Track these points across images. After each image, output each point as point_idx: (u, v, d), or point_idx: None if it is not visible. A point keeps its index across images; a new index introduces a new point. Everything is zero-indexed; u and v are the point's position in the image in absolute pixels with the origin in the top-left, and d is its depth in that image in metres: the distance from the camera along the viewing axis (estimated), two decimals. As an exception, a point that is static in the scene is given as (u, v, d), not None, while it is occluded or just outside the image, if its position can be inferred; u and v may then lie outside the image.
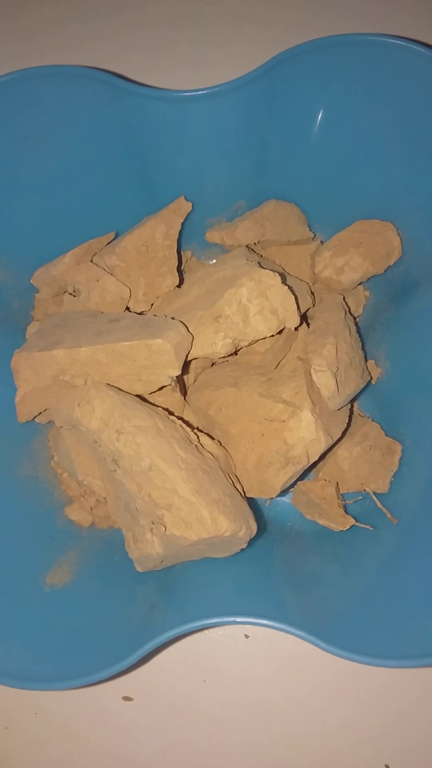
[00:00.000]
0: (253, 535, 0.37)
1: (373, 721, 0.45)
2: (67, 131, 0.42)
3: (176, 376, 0.38)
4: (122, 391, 0.37)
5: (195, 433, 0.39)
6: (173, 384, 0.38)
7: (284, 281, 0.39)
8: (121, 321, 0.39)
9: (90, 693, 0.45)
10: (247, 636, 0.46)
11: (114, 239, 0.47)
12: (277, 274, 0.39)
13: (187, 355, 0.38)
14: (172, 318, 0.39)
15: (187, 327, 0.38)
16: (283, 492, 0.44)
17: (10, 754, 0.44)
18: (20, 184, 0.43)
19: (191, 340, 0.38)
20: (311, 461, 0.39)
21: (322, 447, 0.38)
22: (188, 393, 0.44)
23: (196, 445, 0.38)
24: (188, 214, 0.46)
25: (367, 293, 0.49)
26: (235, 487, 0.38)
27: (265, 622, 0.34)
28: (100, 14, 0.59)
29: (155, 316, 0.40)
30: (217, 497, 0.35)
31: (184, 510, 0.34)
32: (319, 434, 0.38)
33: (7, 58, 0.56)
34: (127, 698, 0.45)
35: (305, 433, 0.38)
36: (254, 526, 0.37)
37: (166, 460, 0.35)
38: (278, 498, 0.48)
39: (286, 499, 0.47)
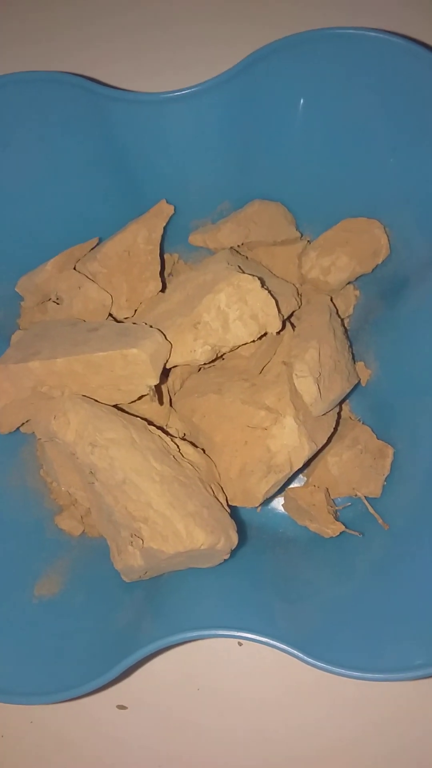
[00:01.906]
0: (233, 547, 0.36)
1: (372, 730, 0.44)
2: (47, 137, 0.42)
3: (155, 385, 0.37)
4: (97, 402, 0.37)
5: (176, 443, 0.38)
6: (152, 393, 0.38)
7: (264, 285, 0.38)
8: (99, 330, 0.38)
9: (85, 702, 0.45)
10: (240, 644, 0.46)
11: (97, 245, 0.46)
12: (257, 278, 0.38)
13: (166, 363, 0.38)
14: (150, 326, 0.38)
15: (164, 335, 0.38)
16: (271, 498, 0.43)
17: (6, 764, 0.44)
18: (0, 191, 0.43)
19: (169, 348, 0.38)
20: (294, 469, 0.38)
21: (306, 454, 0.38)
22: (174, 400, 0.43)
23: (174, 456, 0.37)
24: (173, 217, 0.46)
25: (357, 293, 0.48)
26: (216, 497, 0.37)
27: (248, 635, 0.34)
28: (86, 20, 0.58)
29: (134, 324, 0.39)
30: (194, 509, 0.35)
31: (159, 523, 0.34)
32: (303, 441, 0.38)
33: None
34: (121, 707, 0.45)
35: (288, 441, 0.37)
36: (234, 538, 0.36)
37: (140, 474, 0.34)
38: (270, 504, 0.47)
39: (277, 504, 0.47)
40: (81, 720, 0.45)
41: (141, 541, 0.34)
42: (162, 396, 0.42)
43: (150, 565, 0.36)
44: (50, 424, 0.36)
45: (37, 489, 0.45)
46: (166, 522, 0.34)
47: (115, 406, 0.39)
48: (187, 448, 0.38)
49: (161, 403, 0.41)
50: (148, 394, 0.38)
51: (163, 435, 0.38)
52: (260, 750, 0.44)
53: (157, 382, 0.37)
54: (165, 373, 0.38)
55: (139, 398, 0.38)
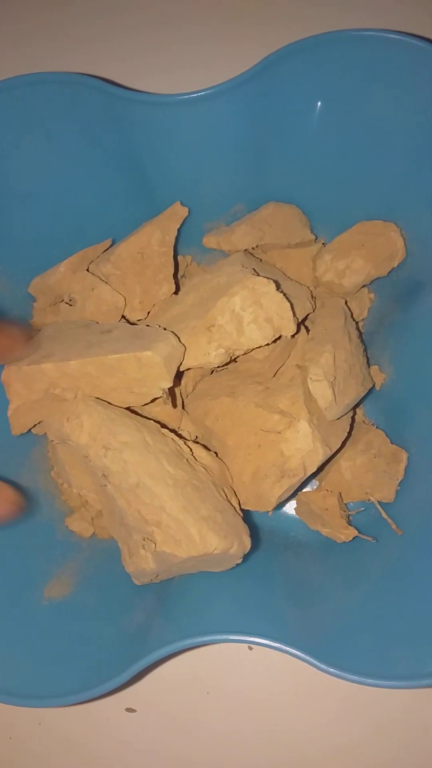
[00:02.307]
0: (246, 551, 0.36)
1: (381, 733, 0.44)
2: (61, 139, 0.42)
3: (168, 388, 0.37)
4: (111, 404, 0.37)
5: (189, 446, 0.38)
6: (165, 396, 0.37)
7: (279, 288, 0.38)
8: (113, 332, 0.38)
9: (93, 704, 0.45)
10: (251, 648, 0.46)
11: (111, 246, 0.46)
12: (272, 281, 0.38)
13: (179, 366, 0.37)
14: (164, 329, 0.38)
15: (179, 338, 0.37)
16: (283, 503, 0.43)
17: (14, 765, 0.44)
18: (14, 192, 0.43)
19: (183, 351, 0.37)
20: (308, 473, 0.38)
21: (320, 459, 0.37)
22: (187, 402, 0.43)
23: (188, 459, 0.37)
24: (186, 219, 0.45)
25: (372, 296, 0.47)
26: (229, 501, 0.37)
27: (259, 640, 0.33)
28: (95, 18, 0.58)
29: (148, 326, 0.39)
30: (207, 514, 0.34)
31: (173, 527, 0.34)
32: (317, 445, 0.37)
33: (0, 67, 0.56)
34: (130, 710, 0.45)
35: (302, 445, 0.37)
36: (248, 542, 0.36)
37: (153, 477, 0.34)
38: (282, 508, 0.47)
39: (289, 509, 0.46)
40: (90, 722, 0.45)
41: (153, 545, 0.34)
42: (175, 398, 0.42)
43: (162, 568, 0.35)
44: (63, 426, 0.35)
45: (48, 490, 0.45)
46: (180, 526, 0.34)
47: (128, 408, 0.39)
48: (199, 451, 0.38)
49: (174, 406, 0.41)
50: (161, 397, 0.37)
51: (176, 438, 0.38)
52: (269, 753, 0.44)
53: (171, 384, 0.37)
54: (178, 375, 0.38)
55: (153, 401, 0.38)
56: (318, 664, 0.33)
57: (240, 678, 0.45)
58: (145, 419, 0.38)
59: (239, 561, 0.37)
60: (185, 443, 0.38)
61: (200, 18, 0.57)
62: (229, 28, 0.56)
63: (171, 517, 0.34)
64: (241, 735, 0.44)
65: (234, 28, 0.56)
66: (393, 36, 0.37)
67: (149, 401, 0.38)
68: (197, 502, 0.34)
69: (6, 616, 0.38)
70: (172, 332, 0.38)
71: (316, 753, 0.44)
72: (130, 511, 0.35)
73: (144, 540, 0.35)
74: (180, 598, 0.39)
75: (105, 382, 0.36)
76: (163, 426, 0.39)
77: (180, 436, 0.39)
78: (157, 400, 0.38)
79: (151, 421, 0.38)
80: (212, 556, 0.34)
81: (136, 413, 0.39)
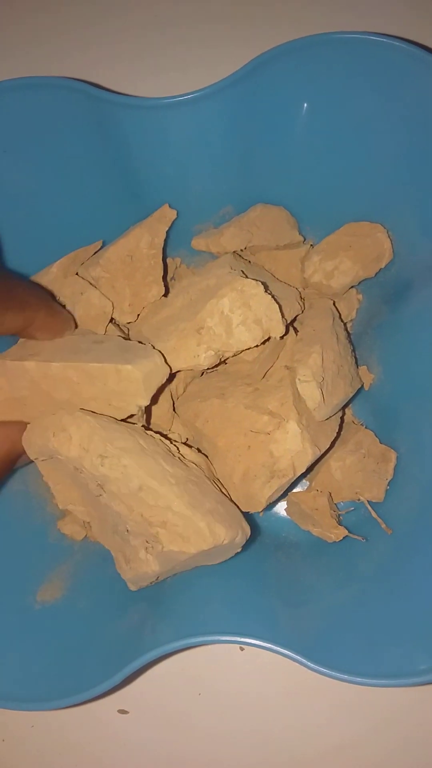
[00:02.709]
0: (248, 537, 0.36)
1: (375, 735, 0.44)
2: (47, 142, 0.42)
3: (144, 407, 0.37)
4: (97, 413, 0.37)
5: (174, 444, 0.38)
6: (140, 413, 0.37)
7: (267, 290, 0.38)
8: (104, 343, 0.38)
9: (86, 706, 0.45)
10: (242, 648, 0.46)
11: (101, 248, 0.46)
12: (260, 283, 0.38)
13: (160, 387, 0.37)
14: (154, 347, 0.38)
15: (165, 358, 0.37)
16: (274, 503, 0.43)
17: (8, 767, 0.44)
18: (1, 196, 0.43)
19: (167, 373, 0.37)
20: (298, 473, 0.38)
21: (309, 459, 0.38)
22: (177, 404, 0.43)
23: (179, 458, 0.37)
24: (175, 221, 0.45)
25: (360, 297, 0.48)
26: (222, 491, 0.38)
27: (250, 641, 0.34)
28: (85, 23, 0.58)
29: (141, 343, 0.39)
30: (211, 507, 0.35)
31: (180, 525, 0.34)
32: (306, 446, 0.37)
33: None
34: (122, 711, 0.45)
35: (291, 445, 0.37)
36: (248, 529, 0.36)
37: (156, 478, 0.34)
38: (272, 508, 0.47)
39: (280, 509, 0.47)
40: (82, 724, 0.45)
41: (160, 546, 0.34)
42: (150, 418, 0.42)
43: (165, 569, 0.36)
44: (49, 441, 0.35)
45: (39, 494, 0.45)
46: (187, 522, 0.34)
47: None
48: (184, 449, 0.38)
49: (148, 424, 0.41)
50: (136, 415, 0.37)
51: (163, 438, 0.38)
52: (262, 754, 0.44)
53: (147, 403, 0.36)
54: (156, 396, 0.38)
55: (129, 417, 0.38)
56: (308, 663, 0.33)
57: (232, 679, 0.46)
58: (129, 423, 0.38)
59: (239, 549, 0.37)
60: (171, 442, 0.38)
61: (190, 21, 0.57)
62: (220, 31, 0.56)
63: (178, 514, 0.34)
64: (233, 735, 0.45)
65: (224, 30, 0.56)
66: (378, 39, 0.37)
67: (126, 417, 0.38)
68: (200, 497, 0.35)
69: (-2, 620, 0.38)
70: (160, 352, 0.37)
71: (308, 753, 0.44)
72: (132, 516, 0.35)
73: (147, 543, 0.35)
74: (172, 601, 0.39)
75: (85, 390, 0.36)
76: (147, 428, 0.39)
77: (165, 437, 0.39)
78: (133, 417, 0.38)
79: (134, 424, 0.38)
80: (219, 547, 0.35)
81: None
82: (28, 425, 0.37)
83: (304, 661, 0.33)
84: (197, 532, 0.34)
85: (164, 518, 0.34)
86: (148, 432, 0.38)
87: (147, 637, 0.36)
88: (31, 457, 0.37)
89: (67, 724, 0.45)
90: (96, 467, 0.34)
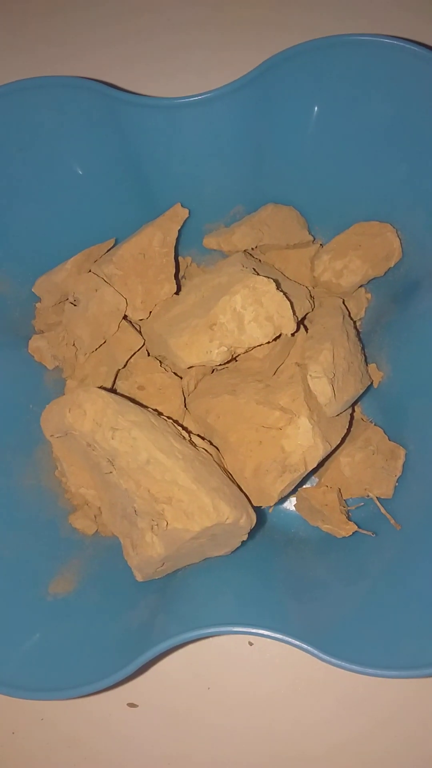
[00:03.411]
0: (253, 525, 0.37)
1: (382, 731, 0.44)
2: (63, 141, 0.42)
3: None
4: (112, 391, 0.37)
5: (187, 431, 0.39)
6: None
7: (279, 287, 0.39)
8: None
9: (95, 699, 0.46)
10: (251, 644, 0.46)
11: (113, 246, 0.47)
12: (272, 281, 0.38)
13: None
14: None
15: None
16: (283, 499, 0.43)
17: (17, 760, 0.45)
18: (17, 195, 0.43)
19: None
20: (309, 468, 0.38)
21: (320, 454, 0.38)
22: (188, 401, 0.44)
23: (189, 441, 0.38)
24: (187, 220, 0.46)
25: (369, 296, 0.48)
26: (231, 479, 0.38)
27: (262, 631, 0.34)
28: (99, 25, 0.59)
29: None
30: (217, 485, 0.35)
31: (185, 501, 0.34)
32: (317, 441, 0.38)
33: (3, 71, 0.57)
34: (132, 705, 0.45)
35: (303, 440, 0.38)
36: (254, 516, 0.37)
37: (164, 451, 0.35)
38: (282, 504, 0.47)
39: (289, 505, 0.47)
40: (92, 718, 0.46)
41: (165, 523, 0.34)
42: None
43: (169, 552, 0.36)
44: (65, 417, 0.36)
45: (51, 489, 0.45)
46: (192, 497, 0.34)
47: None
48: (196, 439, 0.39)
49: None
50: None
51: (175, 423, 0.38)
52: (270, 749, 0.44)
53: None
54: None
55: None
56: (321, 655, 0.33)
57: (240, 674, 0.46)
58: (144, 406, 0.38)
59: (245, 537, 0.37)
60: (183, 429, 0.39)
61: (201, 25, 0.58)
62: (230, 35, 0.57)
63: (183, 489, 0.34)
64: (241, 730, 0.45)
65: (234, 34, 0.57)
66: (387, 41, 0.38)
67: None
68: (206, 475, 0.35)
69: (11, 611, 0.39)
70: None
71: (315, 748, 0.44)
72: (139, 491, 0.35)
73: (153, 521, 0.35)
74: (182, 594, 0.39)
75: None
76: (161, 414, 0.39)
77: (181, 426, 0.39)
78: (157, 399, 0.39)
79: (149, 408, 0.39)
80: (223, 528, 0.35)
81: (139, 404, 0.39)
82: (47, 406, 0.38)
83: (316, 652, 0.33)
84: (201, 507, 0.34)
85: (170, 493, 0.35)
86: (162, 416, 0.38)
87: (157, 629, 0.36)
88: (47, 435, 0.38)
89: (77, 717, 0.46)
90: (107, 440, 0.35)
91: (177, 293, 0.45)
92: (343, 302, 0.46)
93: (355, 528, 0.42)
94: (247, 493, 0.39)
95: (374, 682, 0.45)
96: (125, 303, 0.43)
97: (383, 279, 0.46)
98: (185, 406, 0.44)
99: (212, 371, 0.45)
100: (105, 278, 0.44)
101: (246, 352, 0.40)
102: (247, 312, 0.38)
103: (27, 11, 0.60)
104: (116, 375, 0.44)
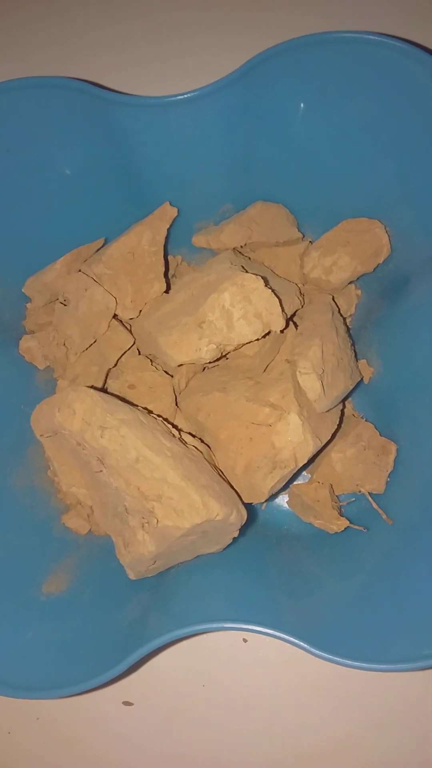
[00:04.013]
0: (244, 521, 0.37)
1: (378, 727, 0.44)
2: (50, 141, 0.42)
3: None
4: (102, 390, 0.38)
5: (177, 429, 0.39)
6: None
7: (267, 284, 0.39)
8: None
9: (91, 698, 0.46)
10: (245, 640, 0.46)
11: (103, 246, 0.47)
12: (260, 278, 0.38)
13: None
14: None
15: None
16: (276, 495, 0.43)
17: (13, 759, 0.45)
18: (5, 195, 0.43)
19: None
20: (299, 464, 0.38)
21: (311, 450, 0.38)
22: (179, 399, 0.44)
23: (179, 439, 0.38)
24: (176, 219, 0.46)
25: (359, 292, 0.48)
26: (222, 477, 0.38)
27: (255, 627, 0.34)
28: (90, 27, 0.59)
29: None
30: (206, 482, 0.35)
31: (174, 498, 0.34)
32: (307, 437, 0.38)
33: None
34: (127, 703, 0.45)
35: (293, 437, 0.38)
36: (244, 512, 0.37)
37: (152, 449, 0.35)
38: (274, 501, 0.47)
39: (282, 501, 0.47)
40: (87, 716, 0.46)
41: (155, 521, 0.34)
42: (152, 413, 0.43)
43: (161, 549, 0.36)
44: (54, 416, 0.36)
45: (44, 489, 0.45)
46: (182, 495, 0.34)
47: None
48: (186, 437, 0.39)
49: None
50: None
51: (165, 421, 0.38)
52: (265, 746, 0.45)
53: None
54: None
55: None
56: (313, 650, 0.33)
57: (235, 671, 0.46)
58: (133, 404, 0.39)
59: (236, 534, 0.37)
60: (173, 427, 0.39)
61: (193, 26, 0.58)
62: (221, 36, 0.57)
63: (173, 486, 0.34)
64: (236, 727, 0.45)
65: (226, 35, 0.57)
66: (373, 37, 0.38)
67: None
68: (196, 472, 0.35)
69: (5, 610, 0.39)
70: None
71: (311, 745, 0.44)
72: (129, 490, 0.35)
73: (143, 519, 0.35)
74: (175, 591, 0.39)
75: None
76: (151, 413, 0.39)
77: (172, 424, 0.39)
78: (148, 398, 0.39)
79: (139, 406, 0.39)
80: (213, 525, 0.35)
81: (129, 403, 0.40)
82: (37, 406, 0.38)
83: (308, 647, 0.33)
84: (191, 504, 0.35)
85: (160, 491, 0.35)
86: (152, 414, 0.38)
87: (151, 626, 0.36)
88: (37, 435, 0.38)
89: (72, 716, 0.46)
90: (96, 439, 0.35)
91: (167, 292, 0.45)
92: (333, 299, 0.46)
93: (347, 523, 0.42)
94: (239, 490, 0.39)
95: (370, 678, 0.45)
96: (115, 302, 0.44)
97: (372, 275, 0.46)
98: (176, 404, 0.44)
99: (203, 369, 0.45)
100: (95, 278, 0.44)
101: (236, 349, 0.40)
102: (235, 309, 0.38)
103: (21, 14, 0.60)
104: (107, 374, 0.45)
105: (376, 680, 0.45)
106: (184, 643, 0.46)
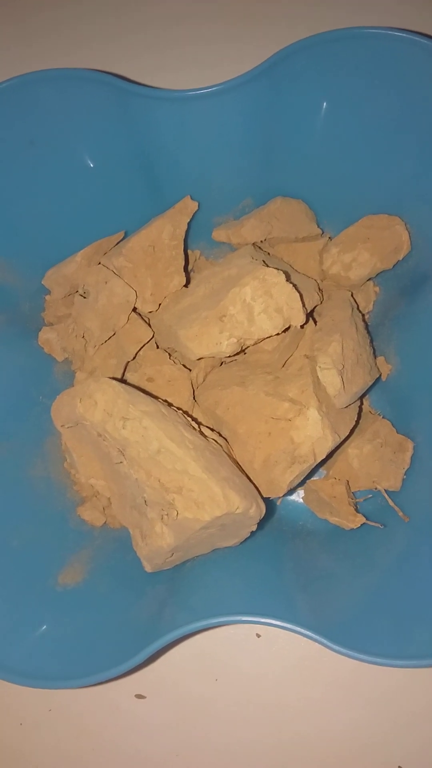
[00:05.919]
0: (263, 515, 0.37)
1: (387, 721, 0.44)
2: (73, 134, 0.43)
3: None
4: (122, 381, 0.38)
5: (197, 422, 0.39)
6: None
7: (289, 279, 0.39)
8: None
9: (103, 690, 0.46)
10: (258, 635, 0.46)
11: (123, 239, 0.47)
12: (282, 272, 0.38)
13: None
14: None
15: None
16: (293, 490, 0.43)
17: (25, 751, 0.45)
18: (27, 188, 0.43)
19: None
20: (318, 460, 0.38)
21: (329, 445, 0.38)
22: (197, 393, 0.44)
23: (199, 431, 0.38)
24: (195, 213, 0.46)
25: (377, 289, 0.48)
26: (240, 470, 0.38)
27: (271, 621, 0.34)
28: (104, 15, 0.59)
29: None
30: (227, 475, 0.35)
31: (195, 490, 0.34)
32: (326, 432, 0.38)
33: (11, 63, 0.57)
34: (139, 696, 0.46)
35: (312, 432, 0.38)
36: (263, 506, 0.37)
37: (174, 440, 0.35)
38: (290, 496, 0.47)
39: (297, 497, 0.47)
40: (99, 709, 0.46)
41: (175, 513, 0.35)
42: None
43: (179, 542, 0.36)
44: (76, 408, 0.36)
45: (61, 480, 0.45)
46: (203, 487, 0.34)
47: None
48: (206, 430, 0.39)
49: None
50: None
51: (185, 414, 0.39)
52: (277, 740, 0.45)
53: None
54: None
55: None
56: (330, 644, 0.33)
57: (248, 665, 0.46)
58: (154, 397, 0.39)
59: (254, 527, 0.37)
60: (193, 420, 0.39)
61: (208, 17, 0.58)
62: (238, 28, 0.57)
63: (194, 478, 0.34)
64: (249, 722, 0.45)
65: (242, 27, 0.57)
66: (396, 33, 0.38)
67: None
68: (217, 465, 0.35)
69: (21, 601, 0.39)
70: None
71: (323, 739, 0.45)
72: (150, 481, 0.35)
73: (163, 511, 0.35)
74: (191, 584, 0.40)
75: None
76: (171, 405, 0.39)
77: (191, 417, 0.40)
78: (166, 390, 0.39)
79: (159, 398, 0.39)
80: (233, 518, 0.35)
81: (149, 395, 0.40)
82: (58, 396, 0.38)
83: (325, 642, 0.33)
84: (212, 497, 0.35)
85: (180, 483, 0.35)
86: (172, 406, 0.38)
87: (166, 619, 0.36)
88: (57, 425, 0.38)
89: (84, 708, 0.46)
90: (118, 430, 0.35)
91: (186, 285, 0.45)
92: (352, 295, 0.46)
93: (364, 520, 0.42)
94: (257, 485, 0.39)
95: (383, 674, 0.45)
96: (135, 295, 0.44)
97: (392, 272, 0.46)
98: (194, 398, 0.44)
99: (221, 363, 0.45)
100: (115, 270, 0.44)
101: (255, 344, 0.40)
102: (256, 303, 0.38)
103: (32, 2, 0.60)
104: (125, 367, 0.45)
105: (390, 675, 0.45)
106: (197, 636, 0.46)
